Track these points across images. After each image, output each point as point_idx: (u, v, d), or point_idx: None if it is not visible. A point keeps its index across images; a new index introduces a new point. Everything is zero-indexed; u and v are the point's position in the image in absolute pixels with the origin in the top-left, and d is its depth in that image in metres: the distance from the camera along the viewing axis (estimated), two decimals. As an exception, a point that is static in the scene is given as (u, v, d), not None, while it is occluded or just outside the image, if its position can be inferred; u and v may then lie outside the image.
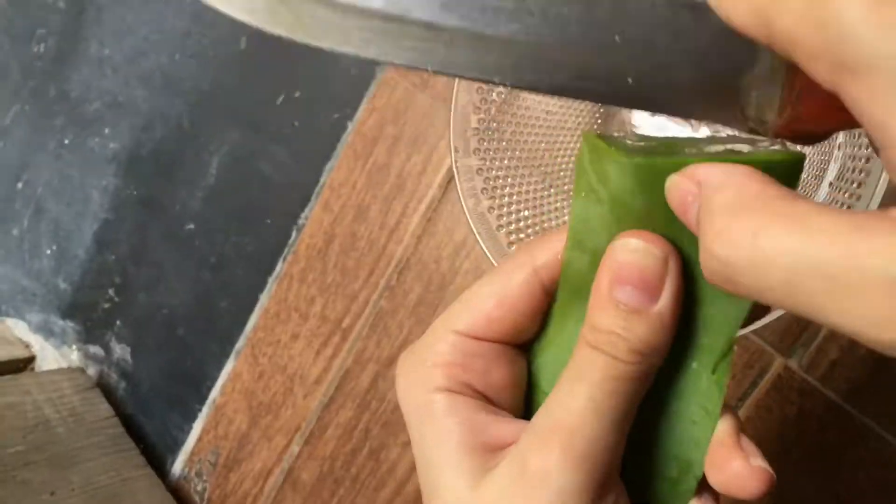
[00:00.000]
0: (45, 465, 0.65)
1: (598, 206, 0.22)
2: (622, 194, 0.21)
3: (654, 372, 0.22)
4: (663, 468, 0.24)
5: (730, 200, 0.17)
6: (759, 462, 0.22)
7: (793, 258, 0.15)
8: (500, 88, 0.45)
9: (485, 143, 0.45)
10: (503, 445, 0.23)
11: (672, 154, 0.21)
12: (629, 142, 0.22)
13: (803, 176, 0.40)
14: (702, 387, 0.23)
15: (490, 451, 0.23)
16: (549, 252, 0.24)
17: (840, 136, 0.37)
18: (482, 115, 0.45)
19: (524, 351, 0.26)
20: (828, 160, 0.38)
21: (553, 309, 0.25)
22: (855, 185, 0.35)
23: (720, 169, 0.19)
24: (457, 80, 0.44)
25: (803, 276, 0.15)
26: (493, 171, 0.45)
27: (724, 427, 0.23)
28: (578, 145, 0.48)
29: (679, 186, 0.20)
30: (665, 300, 0.22)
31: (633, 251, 0.22)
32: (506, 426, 0.24)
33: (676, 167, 0.20)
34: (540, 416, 0.22)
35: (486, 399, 0.24)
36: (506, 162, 0.46)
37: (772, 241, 0.15)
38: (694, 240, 0.19)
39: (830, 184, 0.38)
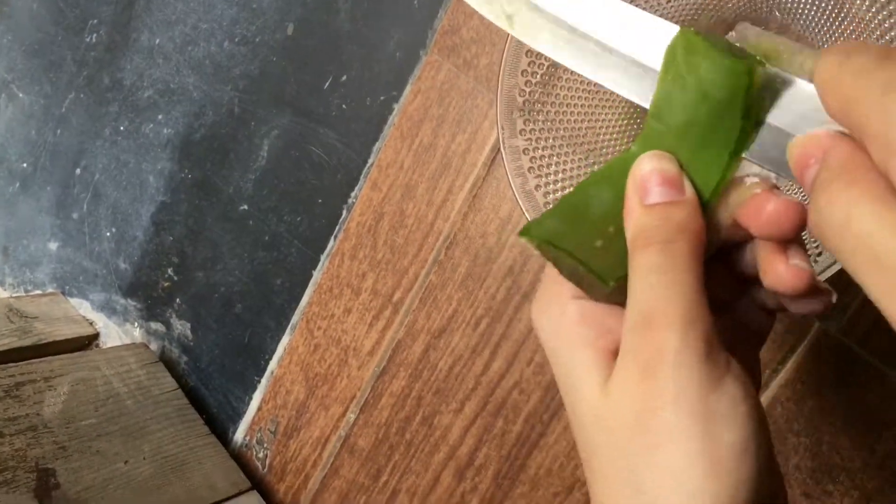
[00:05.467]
0: (117, 436, 0.69)
1: (681, 92, 0.26)
2: (709, 86, 0.25)
3: (703, 250, 0.26)
4: None
5: (844, 180, 0.20)
6: (797, 262, 0.26)
7: (867, 238, 0.19)
8: (544, 71, 0.47)
9: (529, 124, 0.47)
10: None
11: (759, 63, 0.25)
12: (720, 43, 0.26)
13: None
14: None
15: (614, 351, 0.26)
16: None
17: None
18: (527, 98, 0.47)
19: None
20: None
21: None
22: None
23: (845, 146, 0.21)
24: (502, 63, 0.46)
25: (867, 253, 0.19)
26: (539, 151, 0.47)
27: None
28: (618, 119, 0.50)
29: (804, 148, 0.23)
30: (689, 189, 0.26)
31: (649, 162, 0.26)
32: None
33: (764, 75, 0.25)
34: (633, 314, 0.25)
35: None
36: (550, 141, 0.48)
37: (858, 220, 0.19)
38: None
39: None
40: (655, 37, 0.28)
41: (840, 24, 0.43)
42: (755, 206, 0.25)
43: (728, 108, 0.25)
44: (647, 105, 0.28)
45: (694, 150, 0.27)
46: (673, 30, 0.27)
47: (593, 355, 0.26)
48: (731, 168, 0.26)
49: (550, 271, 0.29)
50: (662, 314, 0.24)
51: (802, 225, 0.25)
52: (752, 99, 0.25)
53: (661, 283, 0.24)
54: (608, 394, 0.25)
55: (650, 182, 0.26)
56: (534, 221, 0.27)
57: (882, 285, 0.19)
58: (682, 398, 0.23)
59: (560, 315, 0.28)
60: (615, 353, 0.26)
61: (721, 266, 0.29)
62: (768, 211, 0.25)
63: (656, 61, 0.27)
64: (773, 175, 0.27)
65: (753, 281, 0.28)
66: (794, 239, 0.26)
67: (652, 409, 0.24)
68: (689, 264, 0.25)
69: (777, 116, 0.26)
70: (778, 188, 0.26)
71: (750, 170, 0.27)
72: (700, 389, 0.23)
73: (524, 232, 0.27)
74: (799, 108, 0.26)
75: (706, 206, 0.27)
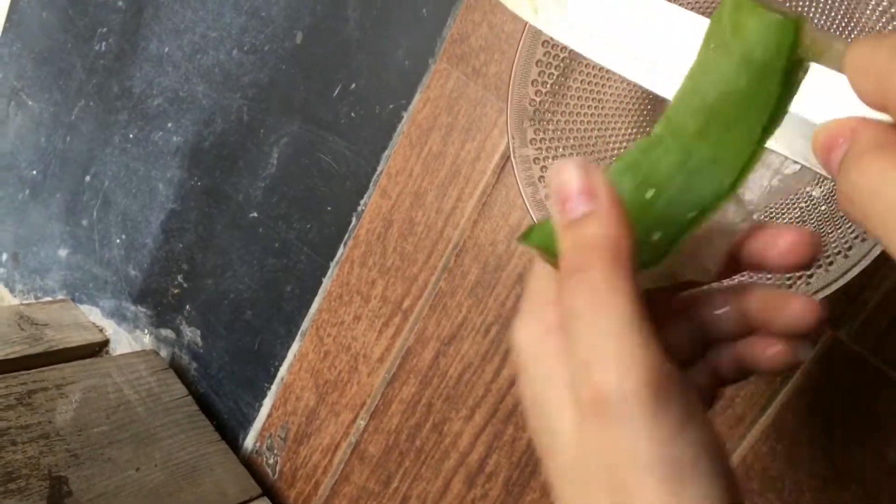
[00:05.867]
0: (128, 443, 0.69)
1: (725, 57, 0.26)
2: (753, 47, 0.25)
3: (629, 263, 0.23)
4: None
5: (876, 151, 0.20)
6: (805, 298, 0.26)
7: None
8: (553, 80, 0.47)
9: (540, 134, 0.47)
10: None
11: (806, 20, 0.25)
12: (769, 3, 0.25)
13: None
14: None
15: None
16: None
17: None
18: (537, 107, 0.47)
19: None
20: None
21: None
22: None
23: (874, 124, 0.21)
24: (512, 72, 0.47)
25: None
26: (549, 160, 0.47)
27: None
28: (627, 128, 0.50)
29: (832, 130, 0.22)
30: (606, 193, 0.24)
31: (558, 173, 0.24)
32: None
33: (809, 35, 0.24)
34: (573, 358, 0.23)
35: None
36: (560, 151, 0.48)
37: (890, 185, 0.19)
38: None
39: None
40: (681, 26, 0.28)
41: (850, 35, 0.43)
42: (770, 236, 0.25)
43: (769, 72, 0.25)
44: (669, 96, 0.28)
45: (725, 126, 0.26)
46: (699, 21, 0.27)
47: (567, 390, 0.23)
48: (759, 148, 0.25)
49: (535, 285, 0.27)
50: (599, 359, 0.22)
51: (819, 252, 0.25)
52: (793, 62, 0.25)
53: (587, 327, 0.22)
54: (581, 444, 0.23)
55: (560, 195, 0.24)
56: (535, 226, 0.26)
57: None
58: (636, 453, 0.21)
59: (540, 343, 0.25)
60: None
61: (682, 325, 0.28)
62: (788, 240, 0.25)
63: (680, 52, 0.27)
64: (754, 215, 0.27)
65: (713, 342, 0.28)
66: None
67: (613, 466, 0.22)
68: (611, 296, 0.22)
69: (800, 105, 0.26)
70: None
71: (729, 210, 0.27)
72: (652, 442, 0.21)
73: (523, 236, 0.26)
74: (821, 98, 0.26)
75: (695, 240, 0.26)
